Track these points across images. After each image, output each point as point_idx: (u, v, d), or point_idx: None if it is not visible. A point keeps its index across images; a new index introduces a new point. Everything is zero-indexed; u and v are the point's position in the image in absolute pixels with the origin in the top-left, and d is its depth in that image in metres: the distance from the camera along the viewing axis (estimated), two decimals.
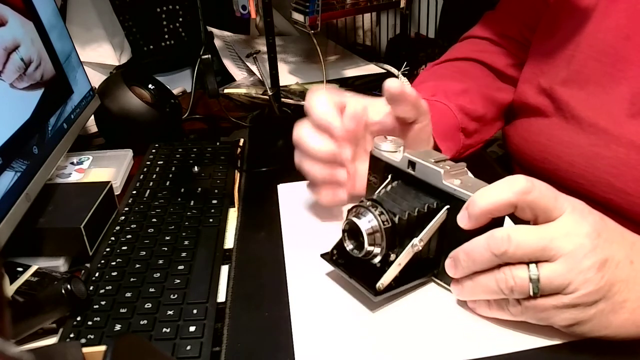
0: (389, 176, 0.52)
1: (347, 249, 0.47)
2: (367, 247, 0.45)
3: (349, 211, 0.47)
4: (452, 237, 0.46)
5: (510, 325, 0.44)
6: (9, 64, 0.58)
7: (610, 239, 0.40)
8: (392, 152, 0.51)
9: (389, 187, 0.50)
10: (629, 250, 0.40)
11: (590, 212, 0.41)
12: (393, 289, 0.46)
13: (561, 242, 0.39)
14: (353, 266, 0.48)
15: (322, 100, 0.53)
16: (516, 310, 0.42)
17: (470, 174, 0.48)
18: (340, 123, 0.53)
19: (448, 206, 0.46)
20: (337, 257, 0.49)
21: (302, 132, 0.54)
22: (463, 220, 0.43)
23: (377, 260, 0.45)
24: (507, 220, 0.44)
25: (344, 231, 0.47)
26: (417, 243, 0.45)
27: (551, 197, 0.40)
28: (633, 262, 0.40)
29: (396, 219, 0.45)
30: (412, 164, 0.49)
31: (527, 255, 0.40)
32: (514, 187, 0.40)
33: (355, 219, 0.45)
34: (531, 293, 0.40)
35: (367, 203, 0.46)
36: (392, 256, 0.46)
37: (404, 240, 0.46)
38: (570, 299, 0.39)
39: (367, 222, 0.45)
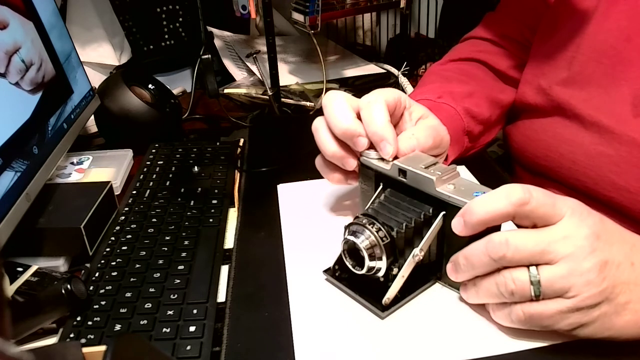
0: (381, 184, 0.51)
1: (349, 266, 0.46)
2: (368, 264, 0.44)
3: (346, 228, 0.47)
4: (451, 240, 0.46)
5: None
6: (10, 67, 0.58)
7: (610, 241, 0.40)
8: (382, 159, 0.50)
9: (382, 197, 0.50)
10: (629, 252, 0.40)
11: (589, 214, 0.40)
12: (400, 301, 0.46)
13: (560, 245, 0.39)
14: (356, 280, 0.47)
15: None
16: (519, 318, 0.41)
17: (461, 176, 0.47)
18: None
19: (444, 212, 0.46)
20: (339, 272, 0.49)
21: (334, 101, 0.51)
22: (458, 227, 0.43)
23: (380, 274, 0.45)
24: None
25: (343, 251, 0.47)
26: (417, 253, 0.45)
27: (549, 204, 0.40)
28: (634, 264, 0.40)
29: (394, 233, 0.45)
30: (402, 171, 0.48)
31: (526, 259, 0.39)
32: (511, 198, 0.40)
33: (353, 238, 0.45)
34: (533, 295, 0.39)
35: (364, 220, 0.45)
36: (395, 270, 0.45)
37: (404, 251, 0.46)
38: (573, 302, 0.39)
39: (366, 240, 0.44)
